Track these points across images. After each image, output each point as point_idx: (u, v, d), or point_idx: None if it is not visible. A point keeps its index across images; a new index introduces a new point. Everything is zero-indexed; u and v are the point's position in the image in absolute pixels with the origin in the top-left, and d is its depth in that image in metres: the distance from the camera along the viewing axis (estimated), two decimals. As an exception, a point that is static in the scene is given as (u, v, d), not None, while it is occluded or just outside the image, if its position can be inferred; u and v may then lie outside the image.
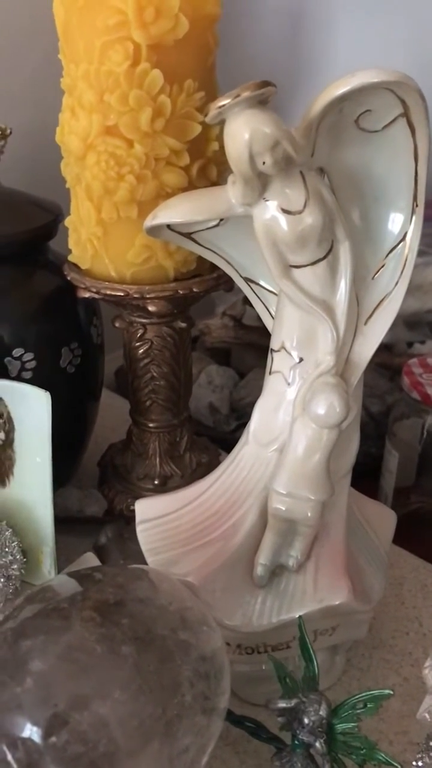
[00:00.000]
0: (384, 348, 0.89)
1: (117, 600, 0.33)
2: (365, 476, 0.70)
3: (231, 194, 0.37)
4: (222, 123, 0.34)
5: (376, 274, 0.40)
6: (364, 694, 0.35)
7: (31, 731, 0.29)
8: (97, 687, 0.29)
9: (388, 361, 0.83)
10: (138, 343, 0.52)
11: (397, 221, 0.39)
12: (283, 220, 0.36)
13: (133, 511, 0.45)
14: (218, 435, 0.75)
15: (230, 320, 0.84)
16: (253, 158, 0.33)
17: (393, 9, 0.86)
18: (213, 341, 0.85)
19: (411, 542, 0.60)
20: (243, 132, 0.33)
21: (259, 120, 0.33)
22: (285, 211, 0.36)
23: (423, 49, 0.86)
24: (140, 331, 0.52)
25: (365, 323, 0.40)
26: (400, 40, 0.87)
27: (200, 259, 0.46)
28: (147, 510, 0.44)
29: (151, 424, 0.56)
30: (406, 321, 0.89)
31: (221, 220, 0.39)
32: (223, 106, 0.33)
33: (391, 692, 0.35)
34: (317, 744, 0.34)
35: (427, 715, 0.40)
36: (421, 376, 0.63)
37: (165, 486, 0.56)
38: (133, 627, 0.31)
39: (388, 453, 0.66)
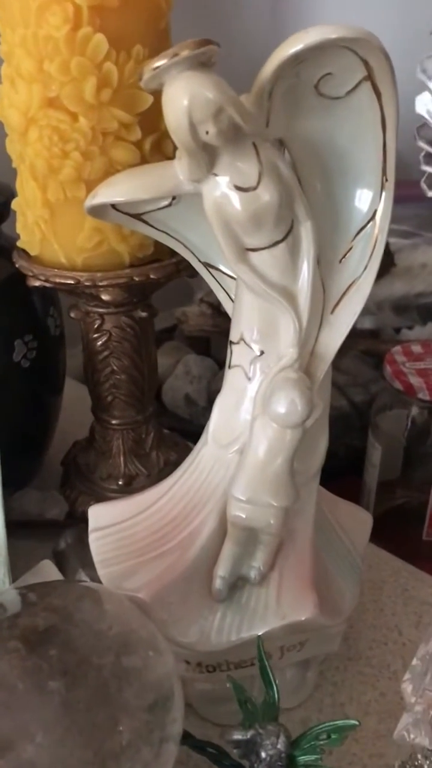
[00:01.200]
0: (370, 334, 0.85)
1: (48, 626, 0.29)
2: (348, 470, 0.68)
3: (178, 169, 0.33)
4: (160, 88, 0.30)
5: (343, 257, 0.36)
6: (327, 724, 0.31)
7: None
8: (17, 729, 0.26)
9: (374, 347, 0.79)
10: (96, 335, 0.49)
11: (364, 198, 0.35)
12: (235, 197, 0.32)
13: (91, 516, 0.41)
14: (194, 428, 0.71)
15: (208, 307, 0.80)
16: (194, 127, 0.29)
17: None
18: (191, 330, 0.82)
19: (395, 540, 0.57)
20: (181, 97, 0.29)
21: (199, 83, 0.29)
22: (237, 188, 0.32)
23: (413, 24, 0.82)
24: (98, 322, 0.48)
25: (332, 312, 0.36)
26: (388, 16, 0.82)
27: (158, 244, 0.42)
28: (101, 517, 0.41)
29: (113, 421, 0.52)
30: (394, 305, 0.86)
31: (173, 198, 0.35)
32: (158, 67, 0.29)
33: (357, 723, 0.31)
34: (276, 779, 0.31)
35: (405, 734, 0.36)
36: (404, 365, 0.60)
37: (130, 486, 0.53)
38: (63, 658, 0.28)
39: (371, 446, 0.63)
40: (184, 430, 0.64)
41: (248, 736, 0.31)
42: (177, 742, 0.32)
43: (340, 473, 0.59)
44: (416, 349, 0.62)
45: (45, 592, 0.32)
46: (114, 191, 0.35)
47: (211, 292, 0.83)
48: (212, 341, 0.84)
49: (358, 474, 0.66)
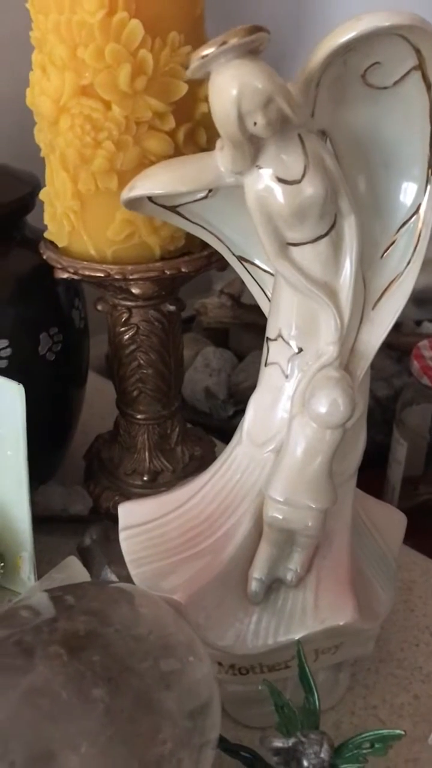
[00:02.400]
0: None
1: (89, 631, 0.28)
2: (370, 466, 0.67)
3: (219, 161, 0.32)
4: (207, 77, 0.29)
5: (385, 252, 0.35)
6: (371, 733, 0.31)
7: (-16, 791, 0.25)
8: (61, 739, 0.25)
9: (395, 341, 0.78)
10: (123, 329, 0.48)
11: (409, 192, 0.34)
12: (278, 190, 0.31)
13: (119, 512, 0.41)
14: (215, 422, 0.71)
15: (228, 299, 0.79)
16: (242, 118, 0.29)
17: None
18: (210, 321, 0.81)
19: (418, 538, 0.56)
20: (230, 87, 0.28)
21: (249, 72, 0.28)
22: (281, 181, 0.31)
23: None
24: (125, 315, 0.47)
25: (373, 308, 0.36)
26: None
27: (189, 236, 0.41)
28: (131, 515, 0.40)
29: (139, 416, 0.51)
30: (415, 298, 0.84)
31: (210, 191, 0.34)
32: (207, 56, 0.28)
33: (403, 733, 0.31)
34: (318, 788, 0.30)
35: (440, 739, 0.36)
36: (432, 360, 0.59)
37: (155, 482, 0.52)
38: (106, 665, 0.27)
39: (396, 442, 0.62)
40: (204, 423, 0.63)
41: (290, 744, 0.31)
42: (215, 747, 0.31)
43: (362, 468, 0.58)
44: (443, 343, 0.61)
45: (81, 594, 0.31)
46: (153, 183, 0.34)
47: (230, 284, 0.83)
48: (231, 333, 0.83)
49: (380, 469, 0.65)
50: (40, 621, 0.29)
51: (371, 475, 0.65)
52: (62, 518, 0.53)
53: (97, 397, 0.63)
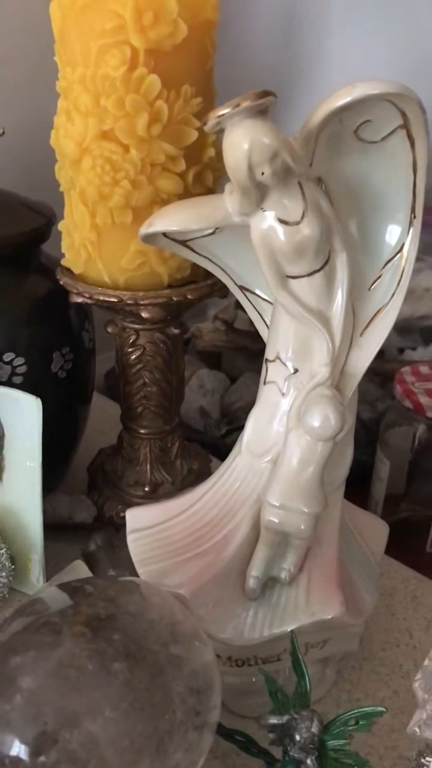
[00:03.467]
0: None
1: (108, 614, 0.32)
2: (355, 484, 0.70)
3: (228, 203, 0.37)
4: (221, 132, 0.34)
5: (372, 285, 0.40)
6: (356, 711, 0.34)
7: (19, 749, 0.28)
8: (87, 705, 0.29)
9: (379, 367, 0.82)
10: (130, 349, 0.52)
11: (394, 233, 0.39)
12: (280, 230, 0.36)
13: (123, 518, 0.44)
14: (208, 440, 0.75)
15: (222, 324, 0.84)
16: (252, 169, 0.33)
17: (389, 15, 0.86)
18: (204, 345, 0.85)
19: (400, 551, 0.60)
20: (242, 142, 0.32)
21: (258, 130, 0.32)
22: (283, 222, 0.36)
23: (419, 54, 0.86)
24: (133, 337, 0.51)
25: (361, 334, 0.40)
26: (396, 46, 0.87)
27: (194, 266, 0.45)
28: (137, 519, 0.44)
29: (142, 431, 0.55)
30: (398, 327, 0.88)
31: (217, 228, 0.39)
32: (223, 115, 0.32)
33: (385, 709, 0.34)
34: (308, 761, 0.34)
35: (417, 730, 0.39)
36: (413, 385, 0.63)
37: (155, 493, 0.56)
38: (125, 643, 0.31)
39: (380, 461, 0.66)
40: (199, 441, 0.67)
41: (284, 720, 0.34)
42: (214, 730, 0.35)
43: (347, 486, 0.62)
44: (424, 369, 0.66)
45: (98, 584, 0.35)
46: (169, 221, 0.38)
47: (224, 310, 0.87)
48: (223, 356, 0.87)
49: (365, 487, 0.69)
50: (65, 606, 0.33)
51: (356, 493, 0.69)
52: (68, 526, 0.57)
53: (98, 414, 0.67)
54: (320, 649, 0.43)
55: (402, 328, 0.89)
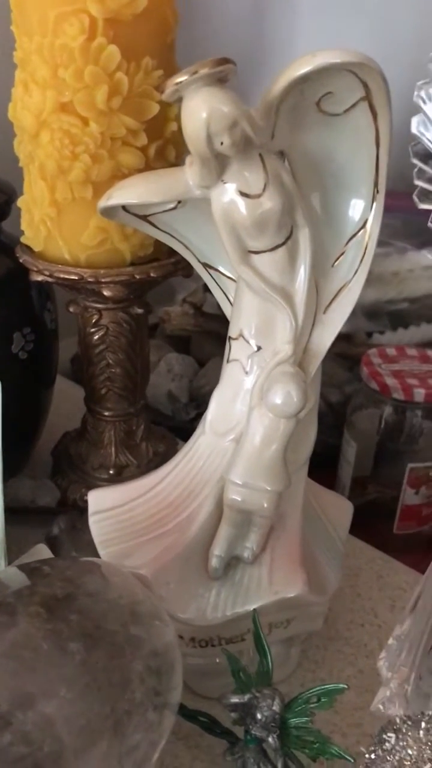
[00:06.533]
0: (343, 338, 0.88)
1: (65, 594, 0.31)
2: (323, 466, 0.70)
3: (188, 176, 0.36)
4: (179, 101, 0.33)
5: (336, 261, 0.39)
6: (318, 688, 0.34)
7: (-28, 732, 0.27)
8: (42, 685, 0.28)
9: (348, 351, 0.82)
10: (93, 329, 0.51)
11: (357, 208, 0.38)
12: (241, 203, 0.35)
13: (87, 501, 0.44)
14: (177, 424, 0.74)
15: (190, 308, 0.83)
16: (210, 138, 0.32)
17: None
18: (173, 329, 0.84)
19: (367, 532, 0.60)
20: (200, 111, 0.32)
21: (217, 98, 0.32)
22: (244, 195, 0.35)
23: (391, 34, 0.86)
24: (95, 317, 0.50)
25: (324, 312, 0.39)
26: (367, 25, 0.86)
27: (158, 243, 0.45)
28: (100, 501, 0.43)
29: (106, 413, 0.54)
30: (366, 311, 0.89)
31: (179, 202, 0.38)
32: (180, 82, 0.32)
33: (346, 686, 0.34)
34: (270, 739, 0.33)
35: (381, 707, 0.39)
36: (380, 366, 0.63)
37: (120, 476, 0.55)
38: (82, 623, 0.30)
39: (347, 443, 0.66)
40: (166, 425, 0.66)
41: (245, 699, 0.34)
42: (175, 710, 0.34)
43: (315, 468, 0.62)
44: (391, 351, 0.66)
45: (56, 565, 0.34)
46: (128, 194, 0.37)
47: (193, 293, 0.87)
48: (192, 340, 0.86)
49: (332, 469, 0.69)
50: (21, 587, 0.32)
51: (324, 475, 0.69)
52: (31, 510, 0.56)
53: (63, 398, 0.66)
54: (284, 629, 0.42)
55: (370, 312, 0.89)
